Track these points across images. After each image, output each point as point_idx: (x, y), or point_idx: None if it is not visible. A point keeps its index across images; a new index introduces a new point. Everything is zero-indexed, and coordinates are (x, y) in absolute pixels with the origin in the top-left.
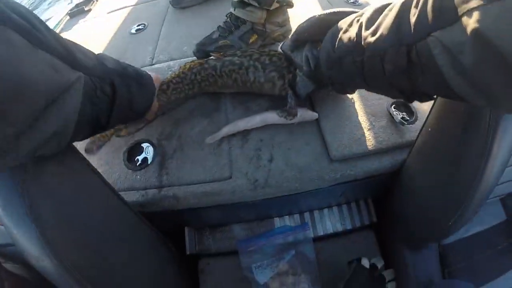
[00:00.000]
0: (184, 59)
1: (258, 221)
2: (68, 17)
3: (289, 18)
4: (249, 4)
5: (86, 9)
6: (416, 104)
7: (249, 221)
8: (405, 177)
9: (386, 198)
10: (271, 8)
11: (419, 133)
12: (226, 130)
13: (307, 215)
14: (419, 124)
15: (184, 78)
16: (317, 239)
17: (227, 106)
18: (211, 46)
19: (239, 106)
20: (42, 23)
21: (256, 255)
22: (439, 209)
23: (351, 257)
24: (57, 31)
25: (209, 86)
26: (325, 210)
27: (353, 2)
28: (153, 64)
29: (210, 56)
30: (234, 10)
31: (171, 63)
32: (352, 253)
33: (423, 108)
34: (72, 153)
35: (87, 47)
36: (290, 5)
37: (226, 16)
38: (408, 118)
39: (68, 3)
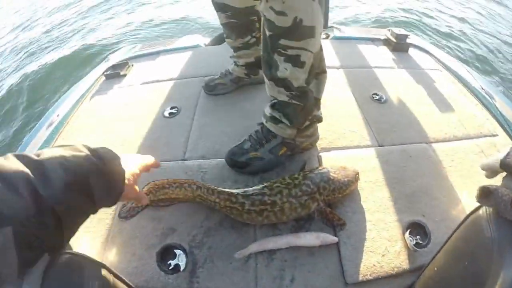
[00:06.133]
0: (216, 160)
1: None
2: (104, 78)
3: (317, 127)
4: (281, 121)
5: (121, 73)
6: (431, 227)
7: None
8: None
9: None
10: (302, 127)
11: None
12: (255, 248)
13: None
14: (431, 247)
15: (206, 199)
16: None
17: None
18: (243, 156)
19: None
20: None
21: None
22: None
23: None
24: (93, 91)
25: (231, 215)
26: None
27: (378, 100)
28: (185, 160)
29: (240, 166)
30: (266, 122)
31: (202, 162)
32: None
33: (438, 230)
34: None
35: (121, 121)
36: (320, 121)
37: (258, 124)
38: (421, 242)
39: (105, 61)
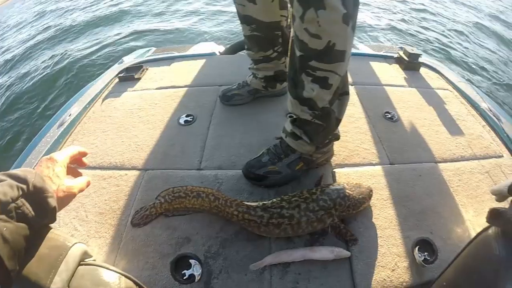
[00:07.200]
0: (232, 171)
1: None
2: (117, 80)
3: (333, 144)
4: (301, 138)
5: (136, 76)
6: (438, 244)
7: None
8: None
9: None
10: (321, 145)
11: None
12: (270, 260)
13: None
14: (438, 263)
15: (223, 210)
16: None
17: None
18: (260, 169)
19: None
20: None
21: None
22: None
23: None
24: (105, 93)
25: (248, 227)
26: None
27: (390, 118)
28: (201, 169)
29: (257, 179)
30: (286, 137)
31: (219, 173)
32: None
33: (445, 247)
34: None
35: (135, 125)
36: (338, 139)
37: (277, 138)
38: (429, 259)
39: (119, 63)
